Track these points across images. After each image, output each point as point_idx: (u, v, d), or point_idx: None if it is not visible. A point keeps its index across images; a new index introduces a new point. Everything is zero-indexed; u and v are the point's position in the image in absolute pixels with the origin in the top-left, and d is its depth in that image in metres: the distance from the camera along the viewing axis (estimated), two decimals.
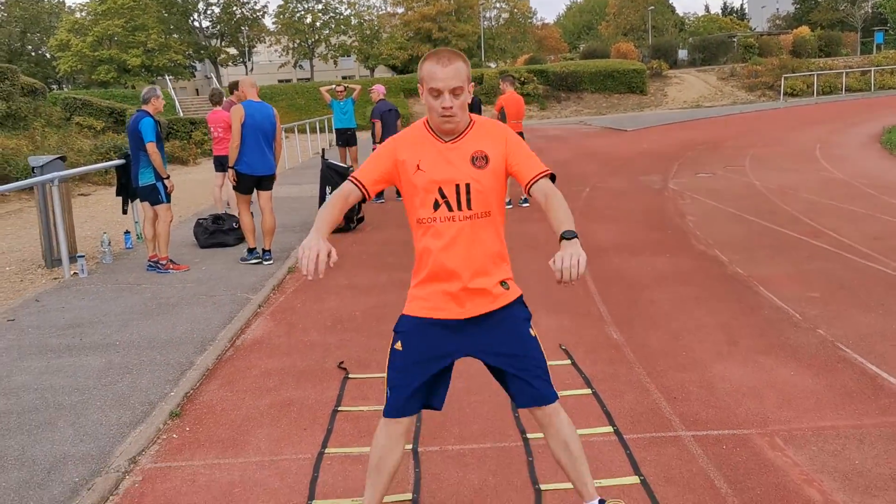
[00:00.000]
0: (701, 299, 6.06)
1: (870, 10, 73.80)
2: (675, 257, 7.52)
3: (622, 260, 7.49)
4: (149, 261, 7.77)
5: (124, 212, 9.22)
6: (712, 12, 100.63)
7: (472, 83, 2.64)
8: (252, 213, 8.01)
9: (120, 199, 9.17)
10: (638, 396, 4.26)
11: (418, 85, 2.64)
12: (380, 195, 12.51)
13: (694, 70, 47.69)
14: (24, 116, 19.17)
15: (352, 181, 2.69)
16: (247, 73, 64.92)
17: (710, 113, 33.31)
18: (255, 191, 7.79)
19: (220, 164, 10.30)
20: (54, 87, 57.61)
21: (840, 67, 42.65)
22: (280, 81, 56.87)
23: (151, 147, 7.24)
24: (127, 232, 9.21)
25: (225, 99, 10.28)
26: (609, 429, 3.86)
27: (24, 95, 20.11)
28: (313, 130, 24.51)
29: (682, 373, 4.56)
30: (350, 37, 64.61)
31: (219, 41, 64.13)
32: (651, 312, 5.78)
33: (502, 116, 10.96)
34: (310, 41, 64.86)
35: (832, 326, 5.22)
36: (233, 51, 65.23)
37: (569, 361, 4.78)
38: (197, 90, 64.20)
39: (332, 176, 9.69)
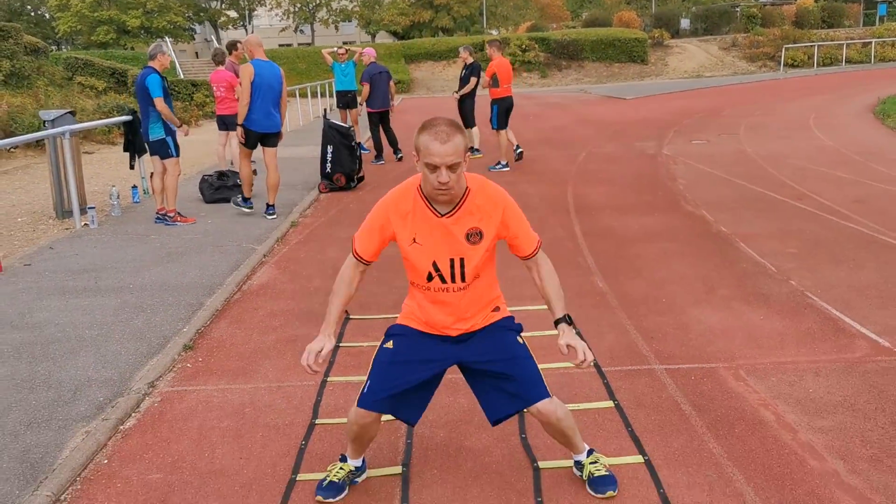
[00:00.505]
0: (684, 254, 6.39)
1: None
2: (662, 216, 7.83)
3: (612, 218, 7.80)
4: (157, 213, 8.07)
5: (131, 167, 9.52)
6: None
7: (469, 154, 2.63)
8: (255, 170, 8.28)
9: (127, 154, 9.48)
10: (618, 336, 4.60)
11: (414, 153, 2.62)
12: (378, 156, 12.79)
13: (696, 40, 47.55)
14: (27, 75, 19.36)
15: (356, 258, 2.79)
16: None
17: (710, 83, 33.40)
18: (259, 147, 8.07)
19: (224, 124, 10.56)
20: (53, 47, 57.32)
21: (841, 39, 42.55)
22: (280, 46, 56.64)
23: (160, 102, 7.49)
24: (134, 187, 9.50)
25: (227, 60, 10.49)
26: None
27: (27, 54, 20.26)
28: (314, 94, 24.66)
29: (661, 317, 4.90)
30: (352, 1, 64.25)
31: (219, 3, 63.74)
32: (636, 264, 6.10)
33: (495, 82, 11.19)
34: (311, 5, 64.48)
35: (804, 278, 5.55)
36: (233, 14, 64.88)
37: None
38: (196, 53, 63.97)
39: (334, 135, 9.95)
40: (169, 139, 7.68)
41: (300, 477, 3.17)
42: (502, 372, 2.75)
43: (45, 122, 8.43)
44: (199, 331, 4.94)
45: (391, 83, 12.78)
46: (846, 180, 9.29)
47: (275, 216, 8.18)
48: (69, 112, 8.81)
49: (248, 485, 3.13)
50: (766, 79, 33.84)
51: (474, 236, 2.66)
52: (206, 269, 6.27)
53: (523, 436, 3.39)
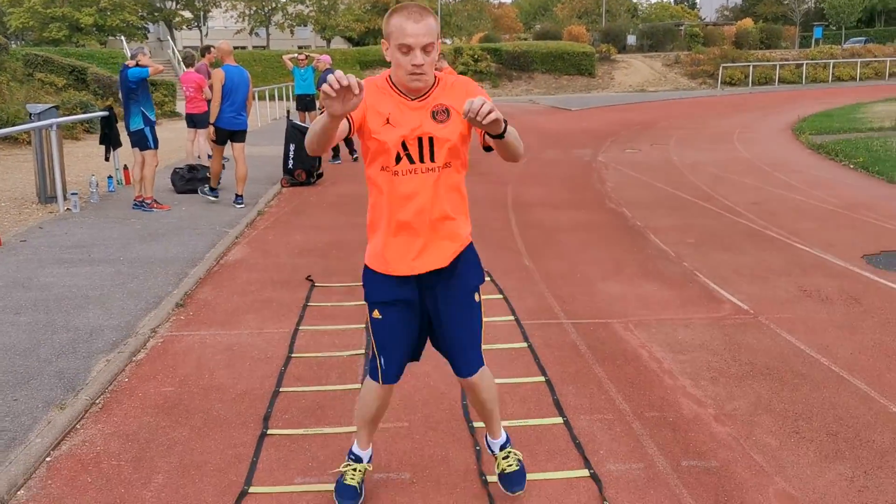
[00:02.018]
0: (601, 242, 7.47)
1: (812, 6, 76.67)
2: (588, 212, 8.93)
3: (544, 213, 8.87)
4: (135, 200, 8.88)
5: (106, 159, 10.30)
6: (664, 0, 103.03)
7: (440, 41, 2.59)
8: (224, 165, 9.17)
9: (103, 147, 10.26)
10: (537, 300, 5.64)
11: (382, 41, 2.57)
12: (336, 156, 13.72)
13: (641, 56, 49.42)
14: None
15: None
16: (201, 39, 64.76)
17: (651, 97, 35.03)
18: (228, 143, 8.96)
19: (192, 121, 11.39)
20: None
21: (777, 60, 44.77)
22: (235, 48, 56.92)
23: (153, 70, 8.24)
24: (110, 177, 10.26)
25: (198, 62, 11.32)
26: (511, 318, 5.22)
27: None
28: (272, 97, 25.39)
29: (574, 287, 5.95)
30: (307, 6, 64.85)
31: (174, 3, 63.69)
32: (559, 249, 7.17)
33: None
34: (267, 9, 64.88)
35: (695, 261, 6.67)
36: (188, 14, 64.84)
37: (489, 279, 6.12)
38: (150, 52, 63.82)
39: (296, 135, 10.85)
40: (147, 130, 8.48)
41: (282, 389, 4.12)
42: (453, 335, 2.81)
43: (31, 114, 9.17)
44: (187, 293, 5.83)
45: None
46: (749, 186, 10.54)
47: (243, 205, 9.06)
48: (54, 107, 9.57)
49: (241, 395, 4.06)
50: (704, 95, 35.60)
51: (440, 114, 2.60)
52: (187, 247, 7.14)
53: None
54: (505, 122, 2.41)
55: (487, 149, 2.71)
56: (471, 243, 2.83)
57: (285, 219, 8.76)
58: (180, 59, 36.78)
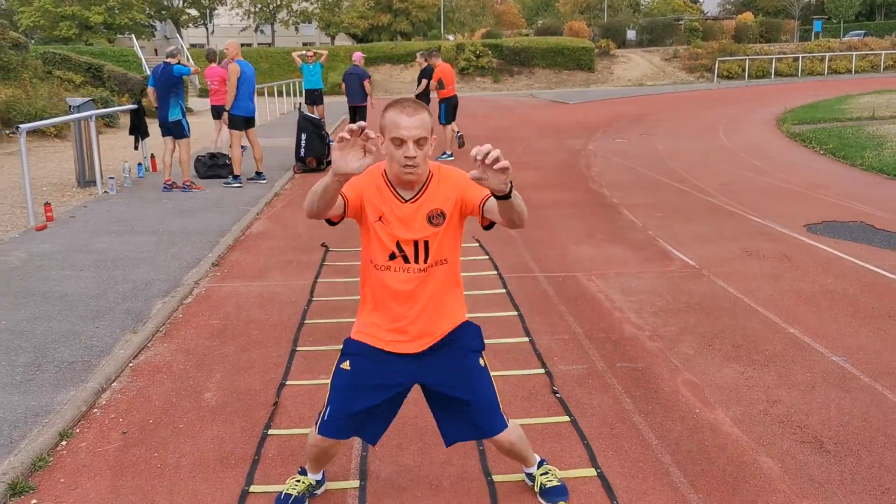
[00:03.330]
0: (579, 215, 8.47)
1: (813, 0, 77.36)
2: (571, 192, 9.93)
3: (532, 193, 9.87)
4: (164, 183, 9.92)
5: (136, 147, 11.33)
6: None
7: (435, 136, 2.60)
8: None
9: (132, 137, 11.29)
10: (517, 259, 6.64)
11: (378, 134, 2.51)
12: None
13: (640, 50, 50.28)
14: (13, 68, 20.78)
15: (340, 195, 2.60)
16: (207, 36, 65.90)
17: (648, 91, 35.96)
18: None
19: (217, 113, 12.40)
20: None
21: (774, 53, 45.61)
22: (241, 45, 58.06)
23: (194, 70, 9.49)
24: (139, 164, 11.30)
25: (224, 59, 12.37)
26: (494, 272, 6.23)
27: (10, 49, 21.68)
28: (279, 93, 26.40)
29: (549, 250, 6.96)
30: (312, 3, 65.86)
31: (181, 1, 64.72)
32: (541, 221, 8.17)
33: (440, 85, 13.22)
34: (271, 6, 65.93)
35: (658, 229, 7.67)
36: (194, 12, 65.88)
37: (478, 244, 7.13)
38: (156, 50, 64.72)
39: (308, 125, 11.87)
40: (184, 121, 9.56)
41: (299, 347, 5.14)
42: (461, 398, 2.72)
43: (71, 107, 10.20)
44: (220, 256, 6.86)
45: (365, 82, 14.63)
46: (723, 170, 11.52)
47: (265, 181, 10.16)
48: (91, 100, 10.60)
49: (273, 326, 5.08)
50: (700, 89, 36.51)
51: (436, 218, 2.62)
52: (214, 221, 8.16)
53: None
54: (510, 182, 2.31)
55: (488, 227, 2.72)
56: (468, 321, 2.80)
57: (299, 199, 9.77)
58: (188, 57, 37.92)
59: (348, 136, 2.23)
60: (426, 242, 2.63)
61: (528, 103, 30.08)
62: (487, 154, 2.18)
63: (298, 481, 3.02)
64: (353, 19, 62.45)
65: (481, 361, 2.79)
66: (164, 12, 62.97)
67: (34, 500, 3.08)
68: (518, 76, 44.38)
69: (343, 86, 14.43)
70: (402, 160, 2.50)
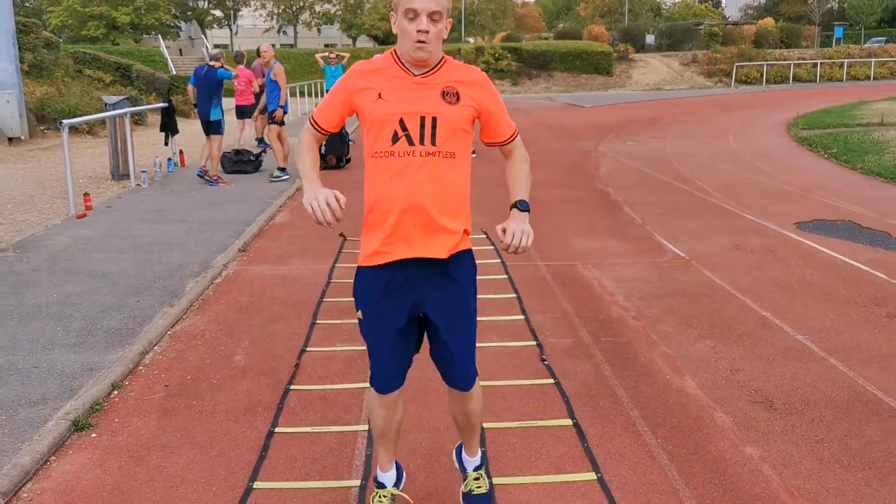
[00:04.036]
0: (583, 211, 8.97)
1: (835, 5, 77.16)
2: (578, 191, 10.43)
3: (541, 191, 10.37)
4: (200, 168, 10.61)
5: (166, 143, 11.97)
6: None
7: (451, 20, 2.49)
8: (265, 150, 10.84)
9: (163, 134, 11.93)
10: None
11: (391, 14, 2.48)
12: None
13: (659, 55, 50.57)
14: (46, 67, 21.56)
15: (314, 126, 2.64)
16: (231, 37, 66.91)
17: (665, 95, 36.30)
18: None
19: (241, 113, 13.03)
20: None
21: (793, 59, 45.77)
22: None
23: (234, 74, 10.46)
24: (169, 159, 11.92)
25: (255, 61, 13.07)
26: (497, 260, 6.75)
27: (44, 48, 22.47)
28: (301, 94, 27.07)
29: (551, 241, 7.47)
30: (334, 5, 66.67)
31: (206, 3, 65.72)
32: (547, 216, 8.67)
33: None
34: (294, 8, 66.81)
35: (656, 225, 8.16)
36: (218, 13, 66.89)
37: (485, 235, 7.64)
38: (181, 50, 65.77)
39: None
40: (222, 120, 10.29)
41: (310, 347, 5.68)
42: (450, 345, 2.66)
43: (107, 105, 10.85)
44: (246, 243, 7.42)
45: None
46: (727, 172, 11.97)
47: (288, 177, 10.86)
48: (126, 98, 11.24)
49: (295, 303, 5.63)
50: (717, 93, 36.79)
51: (450, 95, 2.48)
52: (240, 212, 8.74)
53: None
54: (528, 205, 2.60)
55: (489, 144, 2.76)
56: (470, 249, 2.67)
57: None
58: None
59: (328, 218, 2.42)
60: (434, 120, 2.45)
61: (545, 106, 30.56)
62: (520, 246, 2.48)
63: (381, 497, 2.85)
64: (374, 21, 63.13)
65: (473, 304, 2.71)
66: (189, 13, 64.02)
67: (94, 434, 3.64)
68: (537, 79, 44.85)
69: None
70: (414, 34, 2.39)
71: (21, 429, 3.57)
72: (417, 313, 2.66)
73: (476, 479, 2.96)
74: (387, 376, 2.69)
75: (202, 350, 4.73)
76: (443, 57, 2.53)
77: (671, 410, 3.85)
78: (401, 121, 2.45)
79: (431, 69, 2.50)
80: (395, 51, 2.53)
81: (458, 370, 2.71)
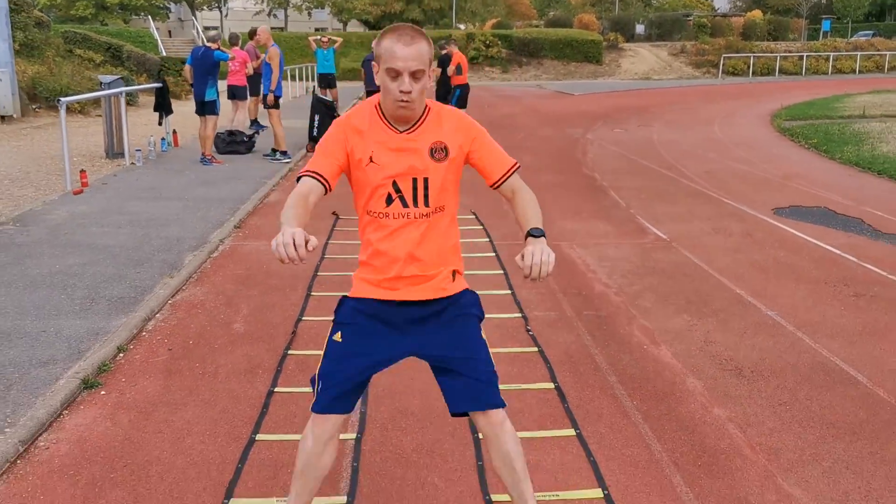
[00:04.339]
0: (569, 195, 9.22)
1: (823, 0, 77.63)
2: (565, 175, 10.67)
3: (529, 175, 10.50)
4: (203, 156, 10.76)
5: (160, 123, 12.10)
6: None
7: (434, 67, 2.41)
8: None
9: (157, 114, 12.07)
10: (508, 229, 7.39)
11: (373, 63, 2.43)
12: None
13: (648, 45, 50.82)
14: (37, 46, 21.54)
15: (310, 175, 2.46)
16: (221, 20, 66.64)
17: (654, 85, 36.56)
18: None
19: (232, 93, 13.17)
20: None
21: (780, 51, 46.11)
22: (252, 30, 58.82)
23: (230, 56, 10.43)
24: (163, 139, 12.07)
25: (248, 43, 13.20)
26: (486, 239, 6.98)
27: (35, 27, 22.44)
28: (293, 77, 27.13)
29: None
30: None
31: None
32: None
33: (458, 70, 13.94)
34: None
35: (640, 209, 8.41)
36: None
37: (474, 216, 7.87)
38: (170, 32, 65.50)
39: (321, 107, 12.60)
40: (217, 101, 10.42)
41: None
42: (459, 372, 2.48)
43: (102, 84, 10.97)
44: (241, 220, 7.63)
45: None
46: (710, 159, 12.24)
47: (290, 160, 11.08)
48: (121, 78, 11.36)
49: (290, 277, 5.84)
50: (705, 84, 37.08)
51: (439, 152, 2.45)
52: (235, 191, 8.93)
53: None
54: (542, 231, 2.47)
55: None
56: (468, 289, 2.61)
57: None
58: (204, 39, 38.58)
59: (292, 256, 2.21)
60: (426, 180, 2.44)
61: (535, 93, 30.75)
62: (540, 274, 2.28)
63: None
64: (365, 6, 62.94)
65: (482, 333, 2.57)
66: None
67: (103, 392, 3.86)
68: (527, 67, 45.00)
69: (363, 71, 15.21)
70: (397, 94, 2.35)
71: (34, 385, 3.78)
72: (405, 356, 2.57)
73: None
74: (330, 397, 2.51)
75: (202, 318, 4.95)
76: (426, 107, 2.48)
77: (647, 376, 4.11)
78: (394, 183, 2.44)
79: (416, 123, 2.46)
80: (378, 105, 2.48)
81: (476, 388, 2.47)
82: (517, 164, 2.58)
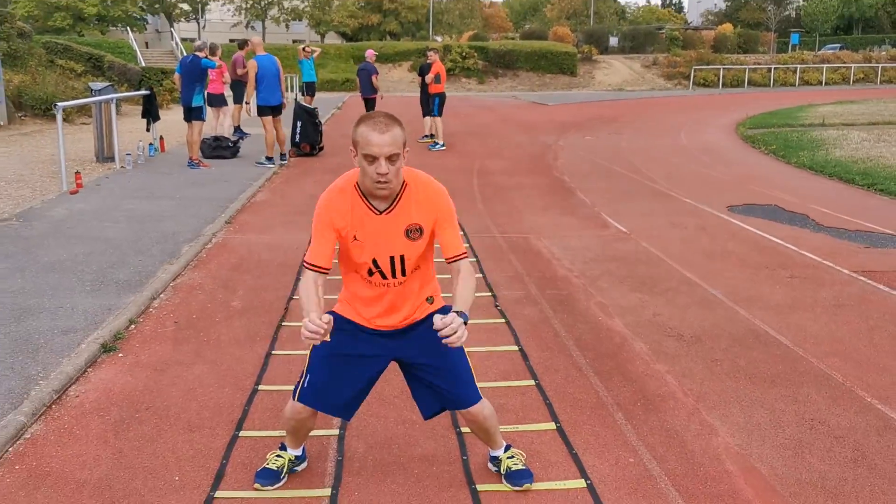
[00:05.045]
0: (539, 195, 9.82)
1: (792, 13, 79.48)
2: (535, 178, 11.28)
3: (502, 178, 11.20)
4: (189, 160, 11.23)
5: (147, 129, 12.58)
6: (652, 3, 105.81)
7: (408, 148, 2.63)
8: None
9: (144, 120, 12.55)
10: (481, 224, 7.97)
11: (351, 147, 2.63)
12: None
13: (622, 57, 51.84)
14: (20, 56, 21.89)
15: (312, 269, 2.71)
16: (199, 31, 66.90)
17: (626, 96, 37.44)
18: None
19: (211, 100, 13.70)
20: None
21: (749, 63, 47.31)
22: (231, 41, 59.10)
23: (218, 64, 11.15)
24: (150, 144, 12.54)
25: (237, 53, 13.73)
26: (460, 233, 7.54)
27: (17, 37, 22.78)
28: None
29: (508, 218, 8.29)
30: (303, 1, 67.02)
31: None
32: (506, 198, 9.50)
33: (437, 79, 14.56)
34: (263, 3, 67.03)
35: (604, 207, 9.02)
36: (186, 7, 66.81)
37: None
38: (147, 43, 65.65)
39: (303, 114, 13.14)
40: (204, 107, 10.91)
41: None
42: (437, 373, 2.80)
43: (93, 90, 11.46)
44: (231, 216, 8.13)
45: (373, 77, 15.89)
46: (673, 164, 12.92)
47: (286, 162, 11.56)
48: (110, 85, 11.84)
49: (280, 264, 6.37)
50: (676, 94, 38.03)
51: (414, 232, 2.67)
52: (223, 192, 9.43)
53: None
54: (465, 315, 2.54)
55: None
56: (446, 305, 2.80)
57: (295, 177, 11.08)
58: (183, 50, 39.01)
59: (319, 335, 2.45)
60: (402, 257, 2.69)
61: (510, 104, 31.45)
62: (450, 339, 2.41)
63: (279, 456, 3.07)
64: (343, 18, 63.59)
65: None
66: (156, 6, 63.89)
67: (120, 354, 4.37)
68: (502, 78, 45.79)
69: (358, 80, 15.90)
70: (375, 176, 2.55)
71: (59, 349, 4.28)
72: (387, 364, 2.91)
73: (510, 457, 3.09)
74: (319, 398, 2.86)
75: (202, 297, 5.46)
76: (403, 183, 2.69)
77: (600, 340, 4.69)
78: (374, 261, 2.71)
79: (393, 201, 2.67)
80: (357, 185, 2.69)
81: (457, 398, 2.87)
82: (465, 254, 2.77)
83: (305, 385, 2.81)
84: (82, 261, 6.11)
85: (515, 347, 4.56)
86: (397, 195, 2.67)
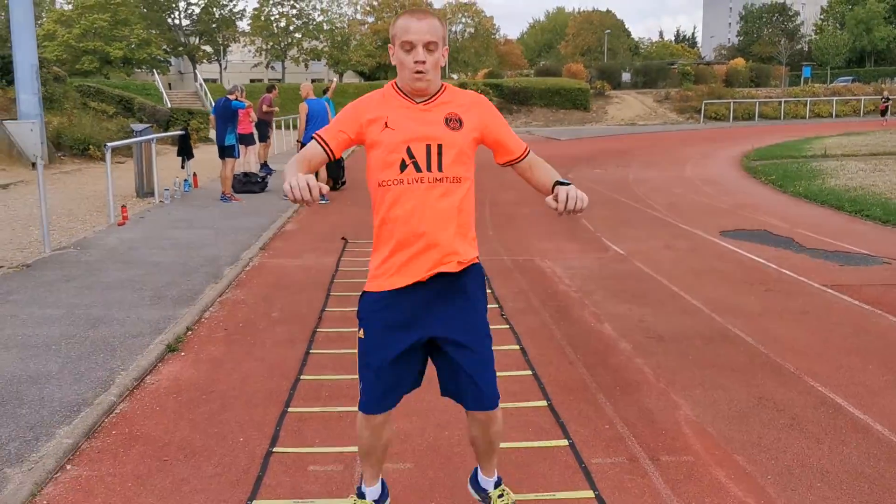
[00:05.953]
0: (546, 222, 10.61)
1: (805, 47, 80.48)
2: (542, 207, 11.97)
3: (511, 207, 12.02)
4: (222, 194, 12.15)
5: (182, 167, 13.55)
6: (666, 39, 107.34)
7: (447, 47, 2.53)
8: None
9: (179, 158, 13.53)
10: (491, 248, 8.76)
11: (389, 46, 2.56)
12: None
13: (634, 92, 52.90)
14: (56, 99, 23.12)
15: (317, 141, 2.63)
16: (221, 71, 68.86)
17: (638, 130, 38.36)
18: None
19: (241, 140, 14.71)
20: None
21: (760, 97, 48.18)
22: (252, 81, 60.92)
23: (248, 105, 11.92)
24: (185, 180, 13.50)
25: (265, 95, 14.73)
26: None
27: (54, 81, 24.07)
28: (295, 126, 28.72)
29: (517, 244, 9.09)
30: (321, 42, 68.89)
31: (197, 39, 67.67)
32: (515, 226, 10.30)
33: None
34: (283, 44, 68.96)
35: (607, 234, 9.80)
36: (208, 48, 68.83)
37: None
38: (170, 84, 67.64)
39: None
40: (237, 145, 11.89)
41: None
42: (466, 356, 2.67)
43: (134, 131, 12.44)
44: (265, 243, 8.99)
45: None
46: (676, 193, 13.69)
47: (327, 202, 12.50)
48: (149, 126, 12.84)
49: (312, 283, 7.18)
50: (687, 128, 38.91)
51: (454, 122, 2.57)
52: (256, 222, 10.31)
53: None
54: (566, 181, 2.58)
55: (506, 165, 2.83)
56: (478, 263, 2.76)
57: (322, 210, 11.94)
58: (206, 91, 40.53)
59: (301, 188, 2.35)
60: (440, 146, 2.55)
61: (525, 139, 32.29)
62: (574, 207, 2.51)
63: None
64: (360, 57, 65.33)
65: (489, 329, 2.79)
66: (180, 48, 65.95)
67: (183, 353, 5.18)
68: (517, 114, 46.91)
69: None
70: (412, 65, 2.49)
71: (132, 349, 5.10)
72: (424, 340, 2.68)
73: (500, 495, 2.97)
74: (379, 396, 2.71)
75: (246, 310, 6.28)
76: (442, 85, 2.63)
77: (589, 341, 5.44)
78: (408, 149, 2.54)
79: (432, 97, 2.59)
80: (395, 83, 2.64)
81: (478, 390, 2.71)
82: (528, 149, 2.82)
83: (365, 392, 2.73)
84: (139, 280, 6.96)
85: (516, 347, 5.33)
86: (436, 92, 2.63)
